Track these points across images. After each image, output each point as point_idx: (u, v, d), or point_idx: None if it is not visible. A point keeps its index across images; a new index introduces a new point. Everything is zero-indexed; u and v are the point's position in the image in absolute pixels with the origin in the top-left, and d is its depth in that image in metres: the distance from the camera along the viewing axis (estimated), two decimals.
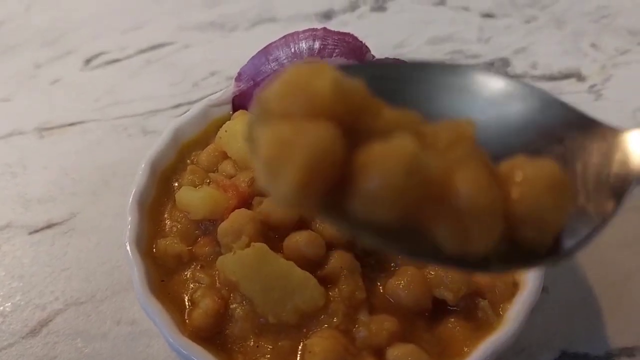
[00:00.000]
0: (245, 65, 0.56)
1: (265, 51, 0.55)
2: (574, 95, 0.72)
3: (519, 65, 0.77)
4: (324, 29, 0.55)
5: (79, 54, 0.76)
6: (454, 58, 0.77)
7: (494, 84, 0.30)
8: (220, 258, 0.43)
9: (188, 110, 0.68)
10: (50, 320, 0.51)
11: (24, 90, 0.71)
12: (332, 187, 0.24)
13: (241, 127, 0.51)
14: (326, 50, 0.54)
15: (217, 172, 0.51)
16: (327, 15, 0.83)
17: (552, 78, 0.75)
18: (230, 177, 0.50)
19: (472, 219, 0.24)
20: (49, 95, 0.71)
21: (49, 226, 0.58)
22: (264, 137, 0.25)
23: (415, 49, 0.77)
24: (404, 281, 0.43)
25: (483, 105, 0.30)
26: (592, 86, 0.73)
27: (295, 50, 0.54)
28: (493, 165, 0.27)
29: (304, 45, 0.54)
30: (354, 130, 0.25)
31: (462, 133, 0.26)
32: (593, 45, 0.80)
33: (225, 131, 0.52)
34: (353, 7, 0.85)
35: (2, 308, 0.52)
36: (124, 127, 0.67)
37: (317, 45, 0.54)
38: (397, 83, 0.30)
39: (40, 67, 0.74)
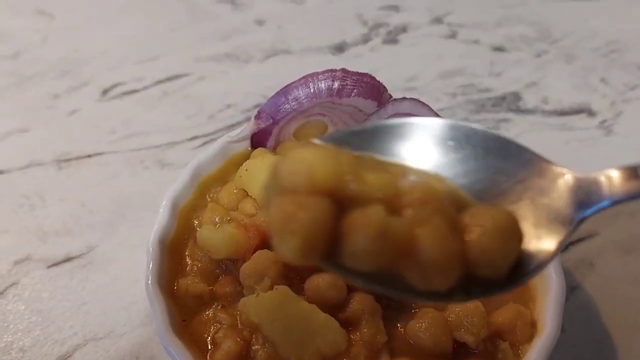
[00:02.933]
0: (265, 104, 0.56)
1: (285, 91, 0.55)
2: (584, 132, 0.73)
3: (530, 100, 0.78)
4: (343, 69, 0.55)
5: (95, 85, 0.77)
6: (466, 92, 0.78)
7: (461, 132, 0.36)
8: (243, 300, 0.44)
9: (204, 143, 0.70)
10: (69, 356, 0.52)
11: (42, 121, 0.72)
12: (327, 244, 0.31)
13: (261, 166, 0.52)
14: (345, 90, 0.55)
15: (238, 210, 0.51)
16: (340, 48, 0.85)
17: (563, 113, 0.76)
18: (251, 215, 0.50)
19: (432, 268, 0.31)
20: (67, 127, 0.71)
21: (68, 259, 0.58)
22: (273, 209, 0.31)
23: (427, 83, 0.78)
24: (425, 324, 0.43)
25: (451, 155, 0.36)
26: (602, 122, 0.74)
27: (314, 90, 0.55)
28: (455, 217, 0.32)
29: (323, 85, 0.55)
30: (342, 198, 0.31)
31: (431, 191, 0.32)
32: (603, 80, 0.81)
33: (246, 170, 0.52)
34: (365, 40, 0.86)
35: (21, 343, 0.52)
36: (141, 160, 0.68)
37: (336, 85, 0.55)
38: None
39: (58, 98, 0.75)
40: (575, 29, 0.90)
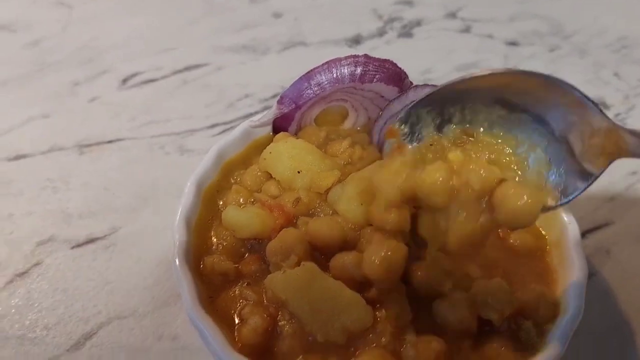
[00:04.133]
0: (288, 89, 0.57)
1: (308, 76, 0.56)
2: None
3: None
4: (365, 55, 0.56)
5: (115, 74, 0.78)
6: None
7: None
8: (270, 277, 0.44)
9: (224, 130, 0.71)
10: (94, 334, 0.52)
11: (63, 107, 0.73)
12: None
13: (285, 149, 0.52)
14: (367, 75, 0.56)
15: (261, 192, 0.52)
16: (356, 40, 0.86)
17: None
18: (274, 197, 0.51)
19: None
20: (87, 113, 0.72)
21: (91, 241, 0.59)
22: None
23: (443, 76, 0.79)
24: (450, 302, 0.44)
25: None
26: (616, 115, 0.75)
27: (337, 75, 0.56)
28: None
29: (345, 70, 0.55)
30: None
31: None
32: (616, 75, 0.82)
33: (270, 153, 0.53)
34: (381, 33, 0.87)
35: (46, 320, 0.53)
36: (161, 146, 0.68)
37: (358, 70, 0.55)
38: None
39: (78, 86, 0.76)
40: (587, 25, 0.91)
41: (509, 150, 0.42)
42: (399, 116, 0.44)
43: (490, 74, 0.40)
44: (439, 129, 0.44)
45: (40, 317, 0.53)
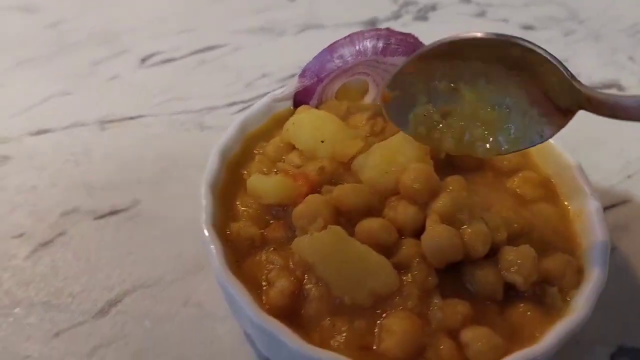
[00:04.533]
0: (310, 62, 0.57)
1: (331, 49, 0.56)
2: None
3: None
4: (388, 29, 0.56)
5: (134, 53, 0.78)
6: None
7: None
8: (296, 240, 0.45)
9: (242, 108, 0.71)
10: (119, 301, 0.53)
11: (84, 85, 0.74)
12: None
13: (308, 120, 0.53)
14: (389, 49, 0.56)
15: (284, 162, 0.53)
16: (372, 23, 0.86)
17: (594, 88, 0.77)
18: (297, 167, 0.51)
19: None
20: (108, 91, 0.73)
21: (114, 212, 0.59)
22: None
23: None
24: (479, 267, 0.44)
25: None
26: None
27: (359, 48, 0.56)
28: None
29: (368, 44, 0.56)
30: None
31: None
32: (631, 59, 0.82)
33: (293, 124, 0.53)
34: (396, 16, 0.88)
35: (71, 288, 0.54)
36: (181, 122, 0.69)
37: (380, 44, 0.56)
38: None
39: (98, 65, 0.77)
40: (601, 10, 0.91)
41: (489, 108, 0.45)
42: (388, 81, 0.46)
43: (471, 38, 0.45)
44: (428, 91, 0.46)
45: (65, 285, 0.54)
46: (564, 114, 0.43)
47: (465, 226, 0.45)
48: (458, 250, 0.44)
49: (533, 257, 0.45)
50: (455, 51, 0.45)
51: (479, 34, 0.44)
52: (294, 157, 0.52)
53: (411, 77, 0.47)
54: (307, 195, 0.48)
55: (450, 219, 0.45)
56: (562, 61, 0.81)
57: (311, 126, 0.52)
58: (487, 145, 0.47)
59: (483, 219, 0.46)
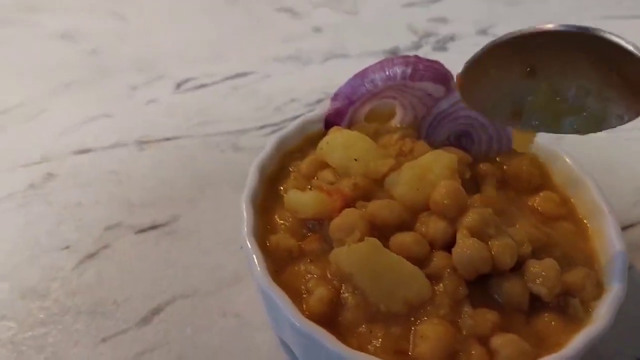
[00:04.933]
0: (342, 86, 0.61)
1: (362, 74, 0.60)
2: (630, 131, 0.78)
3: None
4: (415, 56, 0.60)
5: (170, 79, 0.83)
6: None
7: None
8: (334, 251, 0.47)
9: (273, 131, 0.75)
10: (161, 310, 0.55)
11: (123, 108, 0.78)
12: None
13: (341, 139, 0.56)
14: (417, 74, 0.60)
15: (318, 179, 0.56)
16: (393, 53, 0.90)
17: None
18: (331, 183, 0.54)
19: None
20: (146, 114, 0.77)
21: (154, 227, 0.63)
22: None
23: None
24: (507, 280, 0.47)
25: None
26: None
27: (389, 74, 0.60)
28: None
29: (397, 69, 0.60)
30: None
31: None
32: None
33: (327, 143, 0.56)
34: (416, 47, 0.92)
35: (114, 297, 0.56)
36: (216, 144, 0.73)
37: (409, 70, 0.59)
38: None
39: (136, 89, 0.81)
40: None
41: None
42: (464, 67, 0.46)
43: (548, 31, 0.43)
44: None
45: (110, 295, 0.57)
46: None
47: (492, 240, 0.47)
48: (487, 263, 0.46)
49: (557, 270, 0.47)
50: (530, 42, 0.45)
51: (556, 26, 0.43)
52: (327, 174, 0.55)
53: (486, 65, 0.47)
54: (341, 210, 0.51)
55: (479, 233, 0.47)
56: None
57: (344, 145, 0.55)
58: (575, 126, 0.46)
59: (509, 234, 0.48)
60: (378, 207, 0.50)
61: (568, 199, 0.57)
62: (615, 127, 0.44)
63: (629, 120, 0.44)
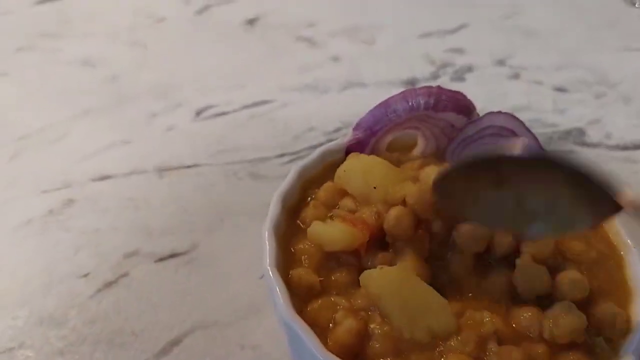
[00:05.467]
0: (364, 116, 0.61)
1: (385, 104, 0.60)
2: None
3: (594, 135, 0.82)
4: (439, 87, 0.60)
5: (189, 107, 0.83)
6: (533, 125, 0.82)
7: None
8: (365, 273, 0.47)
9: (292, 160, 0.75)
10: (180, 341, 0.54)
11: (142, 135, 0.78)
12: None
13: (359, 166, 0.56)
14: (440, 104, 0.60)
15: (339, 208, 0.55)
16: (411, 83, 0.91)
17: (625, 148, 0.81)
18: (353, 211, 0.54)
19: None
20: (165, 141, 0.77)
21: (173, 255, 0.62)
22: None
23: None
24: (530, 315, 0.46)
25: None
26: None
27: (412, 104, 0.60)
28: None
29: (420, 100, 0.59)
30: None
31: None
32: None
33: (344, 171, 0.56)
34: (434, 77, 0.92)
35: (133, 327, 0.56)
36: (234, 172, 0.72)
37: (432, 100, 0.59)
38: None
39: (155, 116, 0.81)
40: (629, 75, 0.95)
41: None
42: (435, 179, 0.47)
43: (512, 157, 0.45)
44: None
45: (127, 324, 0.56)
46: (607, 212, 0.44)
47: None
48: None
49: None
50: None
51: (519, 154, 0.46)
52: (347, 202, 0.55)
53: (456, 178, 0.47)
54: (370, 241, 0.50)
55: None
56: (595, 121, 0.85)
57: (362, 171, 0.55)
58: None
59: None
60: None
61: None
62: (579, 231, 0.47)
63: (592, 225, 0.47)
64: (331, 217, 0.54)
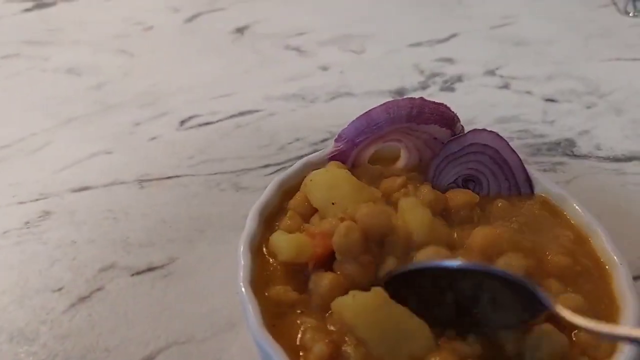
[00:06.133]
0: (346, 127, 0.60)
1: (367, 115, 0.59)
2: (638, 176, 0.76)
3: (584, 146, 0.81)
4: (421, 98, 0.59)
5: (173, 116, 0.82)
6: (522, 136, 0.82)
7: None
8: (338, 300, 0.45)
9: (276, 170, 0.74)
10: (154, 358, 0.53)
11: (124, 144, 0.77)
12: None
13: (324, 179, 0.54)
14: (422, 117, 0.58)
15: (311, 222, 0.53)
16: (400, 93, 0.90)
17: (616, 159, 0.79)
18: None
19: None
20: (147, 151, 0.76)
21: (150, 269, 0.61)
22: None
23: (484, 126, 0.82)
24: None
25: None
26: None
27: (394, 116, 0.58)
28: None
29: (403, 112, 0.58)
30: None
31: None
32: None
33: (311, 180, 0.54)
34: (423, 87, 0.91)
35: (106, 343, 0.54)
36: (217, 183, 0.71)
37: (414, 112, 0.58)
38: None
39: (139, 126, 0.80)
40: (621, 85, 0.94)
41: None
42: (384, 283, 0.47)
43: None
44: None
45: (101, 340, 0.55)
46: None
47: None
48: None
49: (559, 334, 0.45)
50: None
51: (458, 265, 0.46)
52: (317, 216, 0.53)
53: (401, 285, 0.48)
54: (321, 256, 0.49)
55: None
56: (585, 132, 0.84)
57: (327, 185, 0.53)
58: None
59: None
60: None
61: (586, 238, 0.55)
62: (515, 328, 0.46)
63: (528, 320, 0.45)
64: (302, 229, 0.53)
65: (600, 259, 0.53)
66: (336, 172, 0.55)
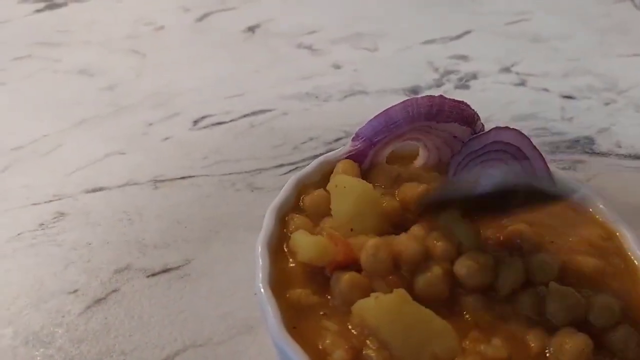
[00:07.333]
0: (364, 126, 0.59)
1: (385, 114, 0.58)
2: None
3: (604, 144, 0.80)
4: (441, 96, 0.58)
5: (186, 116, 0.81)
6: (540, 134, 0.80)
7: None
8: (359, 302, 0.44)
9: (290, 170, 0.73)
10: None
11: (138, 145, 0.76)
12: None
13: (355, 192, 0.51)
14: (442, 115, 0.57)
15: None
16: (414, 91, 0.88)
17: (637, 157, 0.78)
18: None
19: None
20: (161, 151, 0.75)
21: (166, 270, 0.60)
22: None
23: (502, 124, 0.81)
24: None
25: None
26: None
27: (412, 114, 0.57)
28: None
29: (422, 110, 0.57)
30: None
31: None
32: None
33: (344, 187, 0.52)
34: (438, 84, 0.90)
35: (122, 346, 0.53)
36: (232, 183, 0.70)
37: (434, 111, 0.57)
38: None
39: (152, 126, 0.80)
40: (639, 82, 0.93)
41: None
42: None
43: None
44: None
45: (117, 343, 0.54)
46: None
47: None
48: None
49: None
50: None
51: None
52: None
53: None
54: (341, 263, 0.48)
55: None
56: (604, 130, 0.82)
57: (354, 202, 0.51)
58: None
59: None
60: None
61: (614, 233, 0.54)
62: None
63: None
64: (319, 231, 0.51)
65: (630, 257, 0.52)
66: (367, 192, 0.52)
